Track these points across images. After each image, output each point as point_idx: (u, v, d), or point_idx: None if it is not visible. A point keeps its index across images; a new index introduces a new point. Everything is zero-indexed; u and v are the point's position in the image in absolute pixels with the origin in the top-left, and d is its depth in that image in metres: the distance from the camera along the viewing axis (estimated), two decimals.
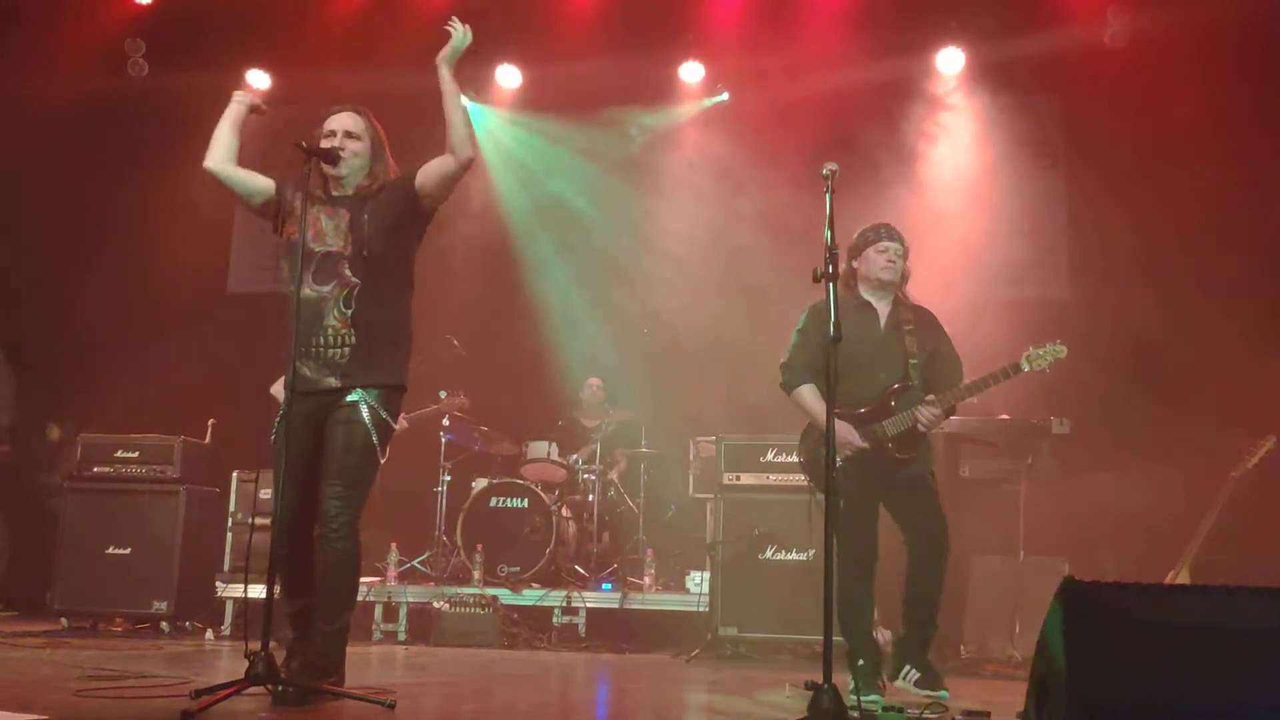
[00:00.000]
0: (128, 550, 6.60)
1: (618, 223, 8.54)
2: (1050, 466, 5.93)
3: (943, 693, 4.25)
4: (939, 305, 6.98)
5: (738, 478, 6.15)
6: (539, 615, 6.60)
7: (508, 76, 8.58)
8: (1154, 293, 6.87)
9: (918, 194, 7.59)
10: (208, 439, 7.11)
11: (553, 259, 8.69)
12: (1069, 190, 7.91)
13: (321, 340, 3.69)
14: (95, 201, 8.54)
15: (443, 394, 6.89)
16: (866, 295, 4.59)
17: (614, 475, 7.69)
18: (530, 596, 6.65)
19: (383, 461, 3.85)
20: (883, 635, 5.68)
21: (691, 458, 7.06)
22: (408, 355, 3.94)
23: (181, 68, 8.06)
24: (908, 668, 4.43)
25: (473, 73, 8.58)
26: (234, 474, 7.10)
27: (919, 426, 4.39)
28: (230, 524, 7.00)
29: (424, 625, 6.48)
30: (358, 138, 3.88)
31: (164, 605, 6.51)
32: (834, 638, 3.33)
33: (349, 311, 3.69)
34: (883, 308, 4.59)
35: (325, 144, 3.83)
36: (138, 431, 6.92)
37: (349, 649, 5.99)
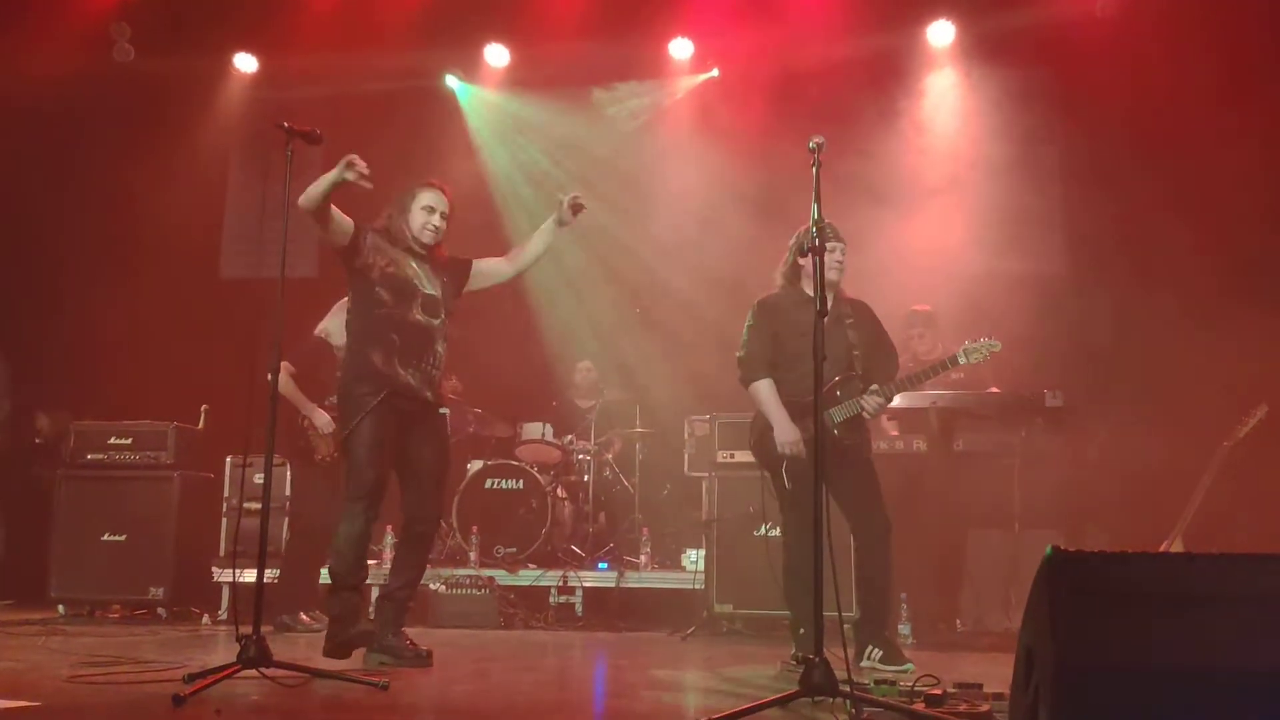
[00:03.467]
0: (123, 537, 6.61)
1: (608, 201, 8.50)
2: (1044, 439, 5.93)
3: (908, 665, 4.43)
4: (929, 280, 7.01)
5: (732, 455, 6.16)
6: (535, 595, 6.61)
7: (496, 55, 8.53)
8: (1149, 265, 6.86)
9: (908, 169, 7.55)
10: (201, 424, 7.10)
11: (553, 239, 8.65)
12: (1063, 163, 7.87)
13: (431, 361, 4.49)
14: (84, 186, 8.50)
15: None
16: (808, 290, 4.71)
17: (609, 455, 7.69)
18: (526, 577, 6.66)
19: None
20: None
21: (686, 436, 7.05)
22: None
23: (168, 51, 8.02)
24: (870, 647, 4.60)
25: (461, 51, 8.54)
26: (227, 459, 7.09)
27: (864, 414, 4.71)
28: (225, 509, 6.99)
29: (420, 607, 6.47)
30: (446, 215, 4.61)
31: (160, 591, 6.52)
32: (825, 612, 3.33)
33: (444, 345, 4.55)
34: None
35: (421, 219, 4.55)
36: (131, 418, 6.91)
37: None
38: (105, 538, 6.60)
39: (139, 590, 6.54)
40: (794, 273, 4.82)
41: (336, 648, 4.27)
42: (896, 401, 5.13)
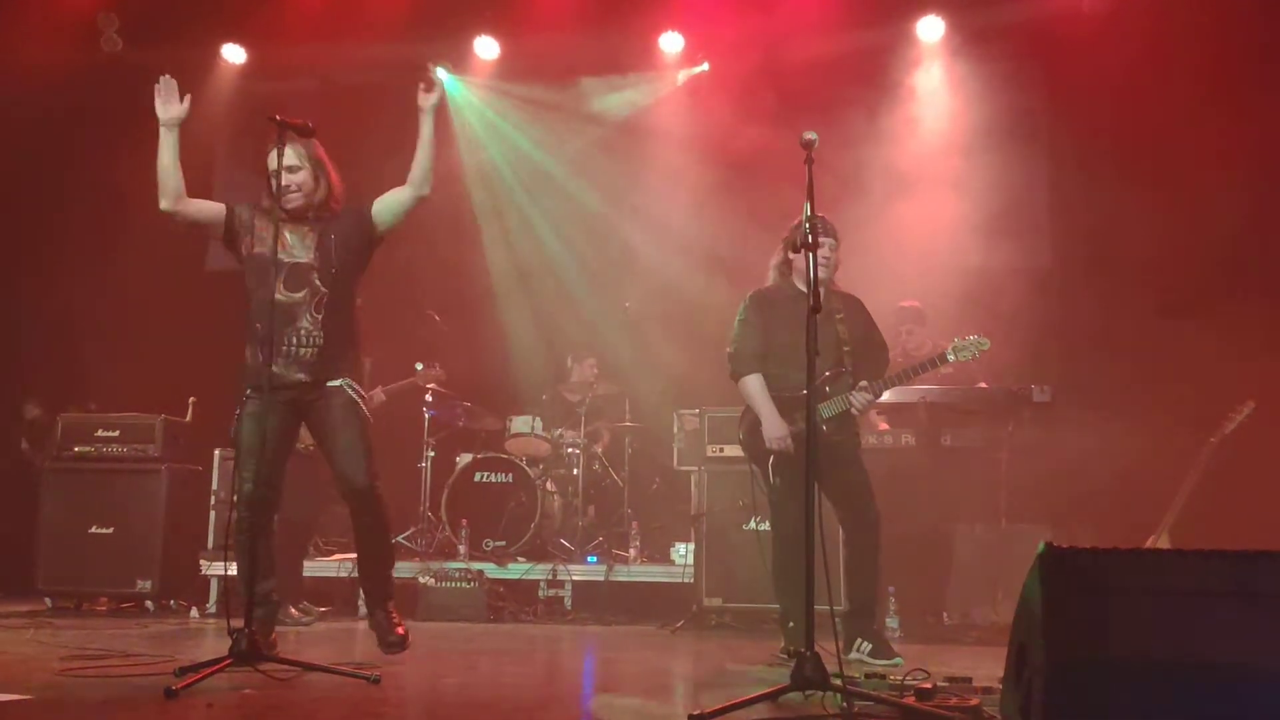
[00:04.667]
0: (110, 530, 6.57)
1: (599, 195, 8.50)
2: (1031, 434, 5.96)
3: (897, 659, 4.48)
4: (919, 274, 7.03)
5: (721, 450, 6.16)
6: (525, 589, 6.62)
7: (485, 47, 8.50)
8: (1135, 259, 6.88)
9: (898, 162, 7.56)
10: (188, 417, 7.07)
11: (532, 232, 8.66)
12: (1051, 158, 7.90)
13: (295, 340, 4.11)
14: (70, 178, 8.44)
15: (419, 366, 6.87)
16: (800, 286, 4.74)
17: (598, 449, 7.70)
18: (515, 570, 6.67)
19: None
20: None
21: (676, 430, 7.06)
22: (360, 359, 4.40)
23: (156, 42, 7.96)
24: (859, 640, 4.64)
25: (450, 44, 8.50)
26: (215, 452, 7.05)
27: (852, 410, 4.74)
28: (213, 502, 6.96)
29: (409, 600, 6.47)
30: (297, 169, 4.17)
31: (148, 584, 6.49)
32: (815, 606, 3.34)
33: (320, 316, 4.14)
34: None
35: (283, 181, 4.14)
36: (118, 410, 6.88)
37: (335, 624, 6.06)
38: (92, 530, 6.56)
39: (126, 583, 6.52)
40: (786, 266, 4.86)
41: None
42: (886, 396, 5.15)
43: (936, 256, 7.20)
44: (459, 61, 8.68)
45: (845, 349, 4.77)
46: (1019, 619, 2.35)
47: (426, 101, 4.33)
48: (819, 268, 4.29)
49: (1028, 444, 5.99)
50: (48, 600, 6.58)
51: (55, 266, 8.51)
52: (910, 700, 3.18)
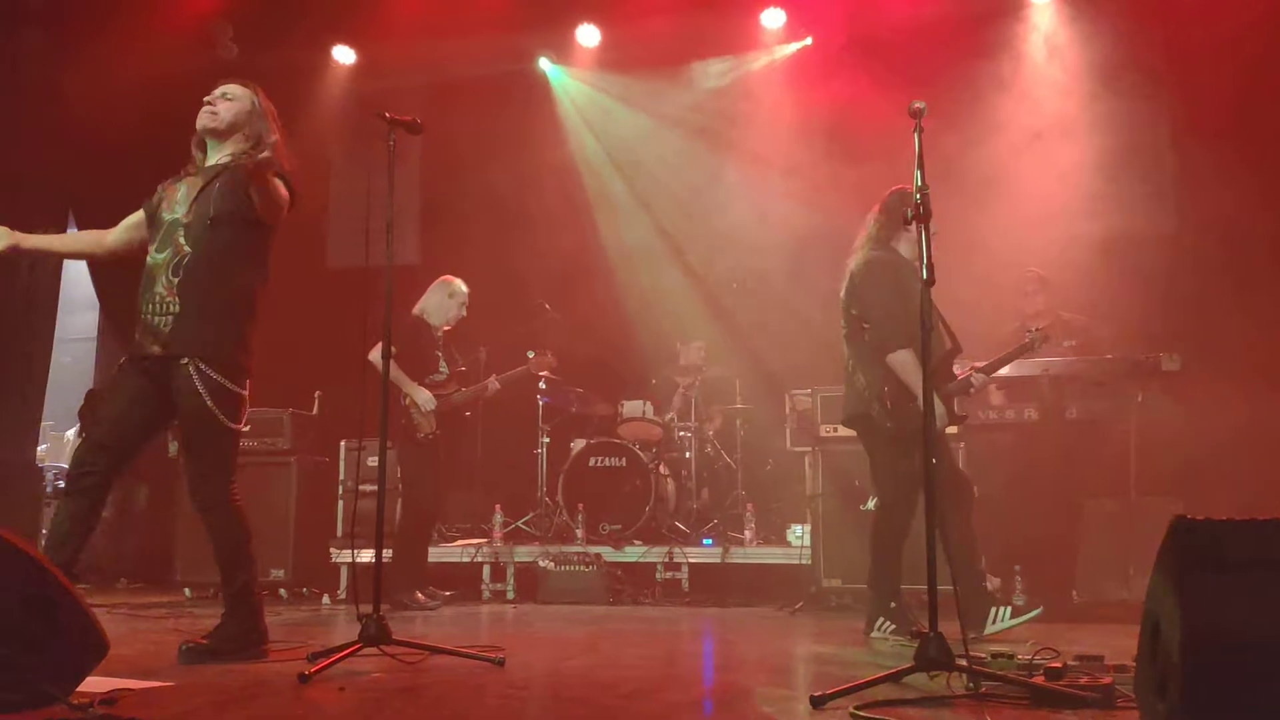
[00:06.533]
0: None
1: (702, 177, 8.48)
2: (1161, 404, 5.75)
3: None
4: (1035, 243, 6.82)
5: (835, 429, 6.09)
6: (642, 571, 6.67)
7: (587, 35, 8.54)
8: (1264, 221, 6.56)
9: (1011, 127, 7.35)
10: (315, 410, 7.31)
11: (637, 217, 8.69)
12: (1172, 119, 7.57)
13: (151, 306, 3.69)
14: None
15: (531, 354, 6.96)
16: (906, 256, 4.70)
17: (710, 431, 7.69)
18: (632, 553, 6.72)
19: (236, 427, 3.80)
20: (992, 583, 5.67)
21: (787, 411, 7.02)
22: (246, 328, 3.89)
23: (269, 47, 8.20)
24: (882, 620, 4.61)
25: (551, 33, 8.57)
26: (341, 443, 7.30)
27: (970, 390, 4.76)
28: (340, 491, 7.20)
29: (531, 584, 6.60)
30: (233, 99, 3.90)
31: (281, 573, 6.74)
32: (939, 586, 3.28)
33: (176, 280, 3.67)
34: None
35: (203, 109, 3.87)
36: (249, 405, 7.12)
37: (460, 608, 6.20)
38: None
39: (261, 572, 6.72)
40: (893, 235, 4.70)
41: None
42: (1005, 370, 5.05)
43: (1057, 223, 6.99)
44: (562, 50, 8.75)
45: (950, 329, 4.71)
46: (1152, 595, 2.26)
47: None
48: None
49: (1158, 414, 5.77)
50: (187, 590, 6.88)
51: None
52: (1040, 680, 3.09)
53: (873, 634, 4.60)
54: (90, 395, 8.41)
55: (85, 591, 3.63)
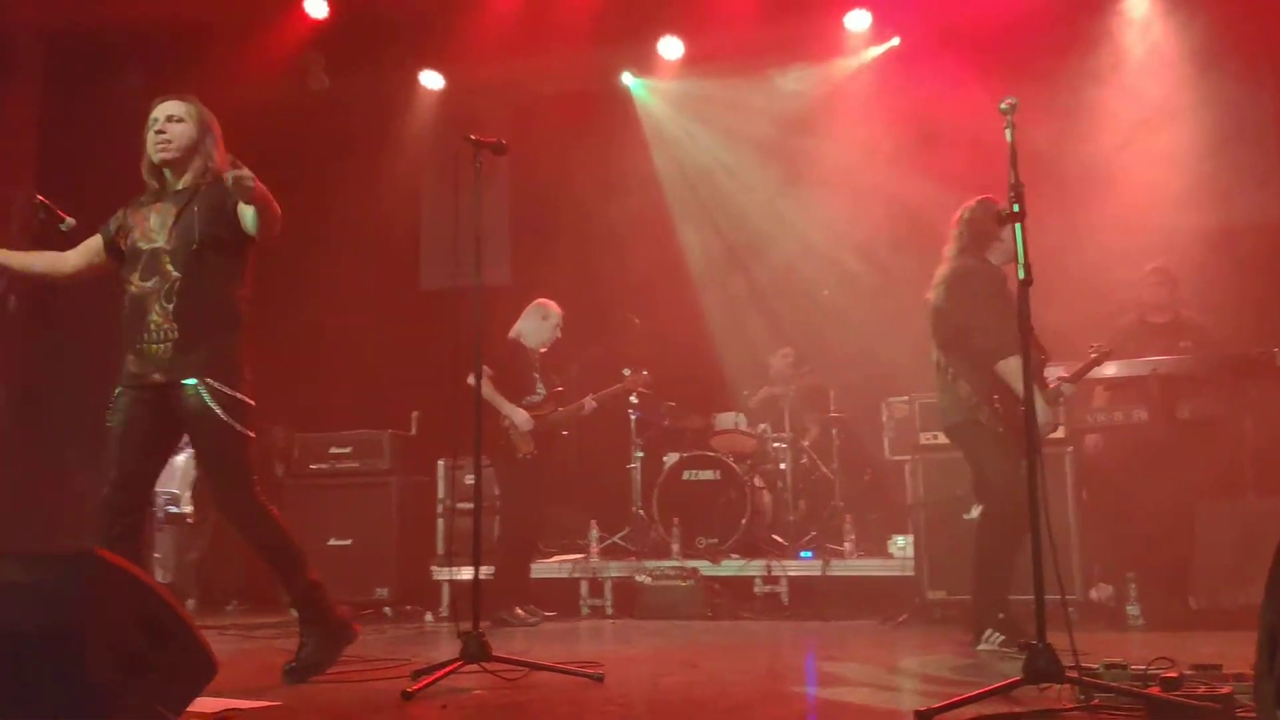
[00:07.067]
0: (348, 541, 6.96)
1: (788, 185, 8.42)
2: (1276, 401, 5.49)
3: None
4: (1141, 234, 6.61)
5: (935, 436, 5.94)
6: (740, 585, 6.61)
7: (670, 47, 8.55)
8: None
9: (1109, 119, 7.14)
10: (413, 430, 7.42)
11: (723, 228, 8.67)
12: (1277, 102, 7.26)
13: (145, 335, 3.71)
14: (287, 212, 9.01)
15: (626, 372, 6.97)
16: (996, 264, 4.67)
17: (805, 442, 7.60)
18: (730, 567, 6.66)
19: (251, 434, 3.80)
20: (1103, 591, 5.52)
21: (884, 419, 6.89)
22: (241, 343, 3.88)
23: (358, 75, 8.40)
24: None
25: (634, 46, 8.60)
26: (439, 462, 7.40)
27: (1060, 400, 4.74)
28: (440, 510, 7.30)
29: (628, 599, 6.59)
30: (181, 120, 3.82)
31: (385, 591, 6.84)
32: (1045, 596, 3.17)
33: (170, 306, 3.69)
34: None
35: (150, 140, 3.80)
36: (349, 428, 7.29)
37: (559, 624, 6.23)
38: (331, 542, 6.97)
39: (365, 591, 6.88)
40: (985, 242, 4.66)
41: None
42: (1111, 370, 4.92)
43: (1162, 213, 6.76)
44: (644, 64, 8.78)
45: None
46: (1269, 600, 2.15)
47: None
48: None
49: (1273, 412, 5.52)
50: (294, 610, 7.01)
51: (283, 296, 9.10)
52: (1155, 690, 2.97)
53: (980, 646, 4.49)
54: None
55: (195, 614, 3.69)
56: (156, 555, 7.69)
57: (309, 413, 8.28)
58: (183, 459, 7.36)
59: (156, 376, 3.69)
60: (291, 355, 8.95)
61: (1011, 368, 4.44)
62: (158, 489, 9.07)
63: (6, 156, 7.49)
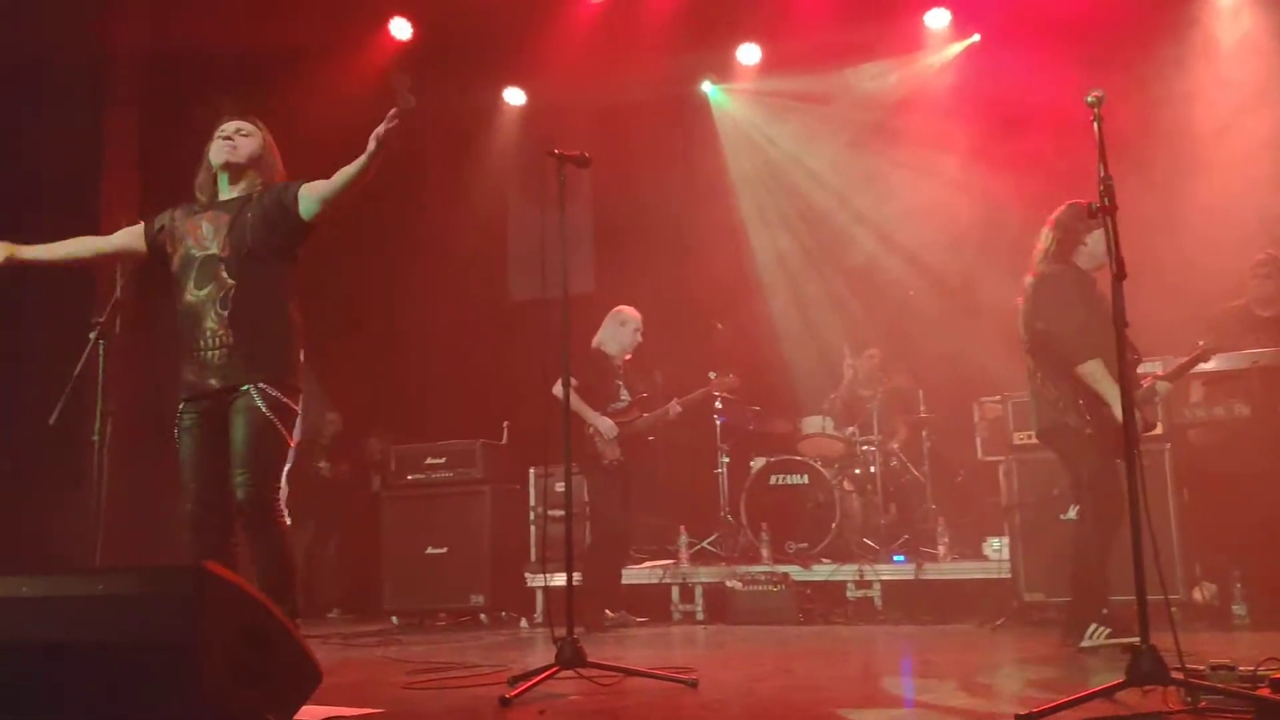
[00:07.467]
0: (444, 549, 7.09)
1: (870, 185, 8.35)
2: None
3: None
4: (1236, 226, 6.43)
5: (1029, 436, 5.83)
6: (832, 590, 6.57)
7: (748, 54, 8.57)
8: None
9: (1199, 105, 6.95)
10: (504, 439, 7.55)
11: (805, 231, 8.64)
12: None
13: (202, 343, 3.73)
14: (379, 226, 9.23)
15: (712, 375, 6.98)
16: (1082, 266, 4.66)
17: (895, 444, 7.53)
18: (821, 572, 6.63)
19: (292, 441, 3.81)
20: (1207, 590, 5.38)
21: (976, 420, 6.81)
22: (295, 350, 3.88)
23: (443, 95, 8.56)
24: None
25: (713, 54, 8.63)
26: (531, 470, 7.51)
27: (1156, 399, 4.74)
28: (532, 517, 7.41)
29: (719, 604, 6.60)
30: (249, 135, 3.90)
31: (480, 598, 6.96)
32: (1147, 596, 3.11)
33: (225, 313, 3.72)
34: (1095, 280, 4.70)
35: (216, 146, 3.86)
36: (442, 438, 7.44)
37: (651, 629, 6.27)
38: (428, 551, 7.11)
39: (461, 598, 7.01)
40: (1069, 246, 4.66)
41: None
42: (1211, 364, 4.81)
43: (1259, 197, 6.56)
44: (723, 70, 8.80)
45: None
46: None
47: (386, 125, 3.76)
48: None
49: None
50: (394, 618, 7.19)
51: (377, 313, 9.35)
52: (1265, 692, 2.88)
53: (1084, 643, 4.43)
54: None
55: (298, 623, 3.75)
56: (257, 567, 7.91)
57: (404, 425, 8.48)
58: (286, 469, 7.58)
59: (213, 383, 3.72)
60: (386, 369, 9.20)
61: (1090, 370, 4.48)
62: None
63: (111, 183, 7.80)
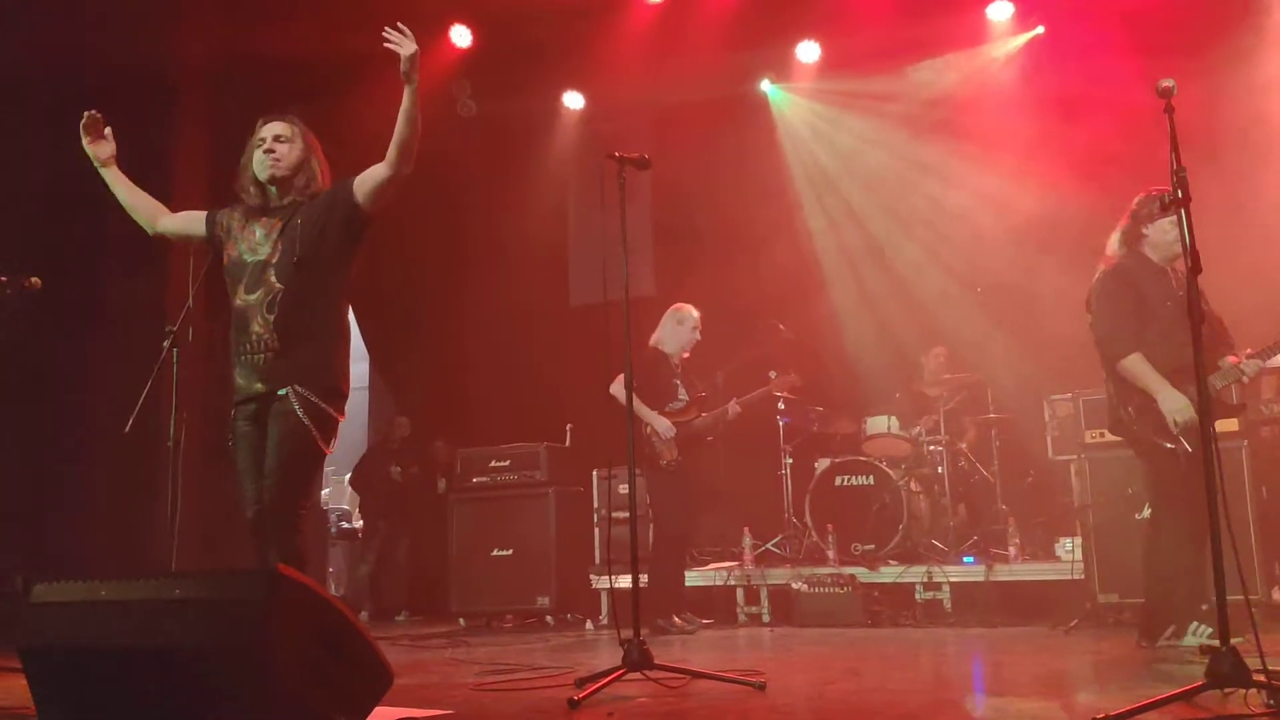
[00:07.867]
0: (510, 551, 7.16)
1: (934, 181, 8.25)
2: None
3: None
4: None
5: (1102, 434, 5.71)
6: (900, 592, 6.49)
7: (807, 51, 8.51)
8: None
9: (1272, 105, 6.75)
10: (567, 442, 7.59)
11: (868, 229, 8.55)
12: None
13: (247, 347, 3.73)
14: (442, 234, 9.32)
15: (773, 374, 6.94)
16: (1153, 258, 4.59)
17: (963, 445, 7.41)
18: (888, 574, 6.55)
19: (327, 450, 3.75)
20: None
21: (1047, 418, 6.67)
22: (342, 357, 3.87)
23: (503, 100, 8.64)
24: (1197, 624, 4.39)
25: (772, 52, 8.59)
26: (594, 472, 7.53)
27: (1243, 378, 4.53)
28: (596, 519, 7.43)
29: (785, 606, 6.56)
30: (288, 140, 3.86)
31: (546, 600, 7.01)
32: (1228, 597, 3.02)
33: (271, 317, 3.70)
34: (1170, 272, 4.60)
35: (258, 158, 3.84)
36: (506, 442, 7.49)
37: (716, 631, 6.25)
38: (494, 553, 7.18)
39: (528, 600, 7.06)
40: (1135, 239, 4.60)
41: None
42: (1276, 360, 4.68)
43: None
44: (782, 69, 8.75)
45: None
46: None
47: (405, 52, 3.74)
48: (1179, 244, 4.02)
49: None
50: (461, 620, 7.26)
51: (439, 320, 9.44)
52: None
53: (1185, 640, 4.35)
54: (363, 461, 9.04)
55: (368, 625, 3.76)
56: (330, 570, 8.07)
57: (469, 428, 8.57)
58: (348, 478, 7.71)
59: (259, 386, 3.71)
60: (450, 374, 9.30)
61: (1128, 367, 4.45)
62: (330, 506, 9.57)
63: (181, 193, 7.97)
